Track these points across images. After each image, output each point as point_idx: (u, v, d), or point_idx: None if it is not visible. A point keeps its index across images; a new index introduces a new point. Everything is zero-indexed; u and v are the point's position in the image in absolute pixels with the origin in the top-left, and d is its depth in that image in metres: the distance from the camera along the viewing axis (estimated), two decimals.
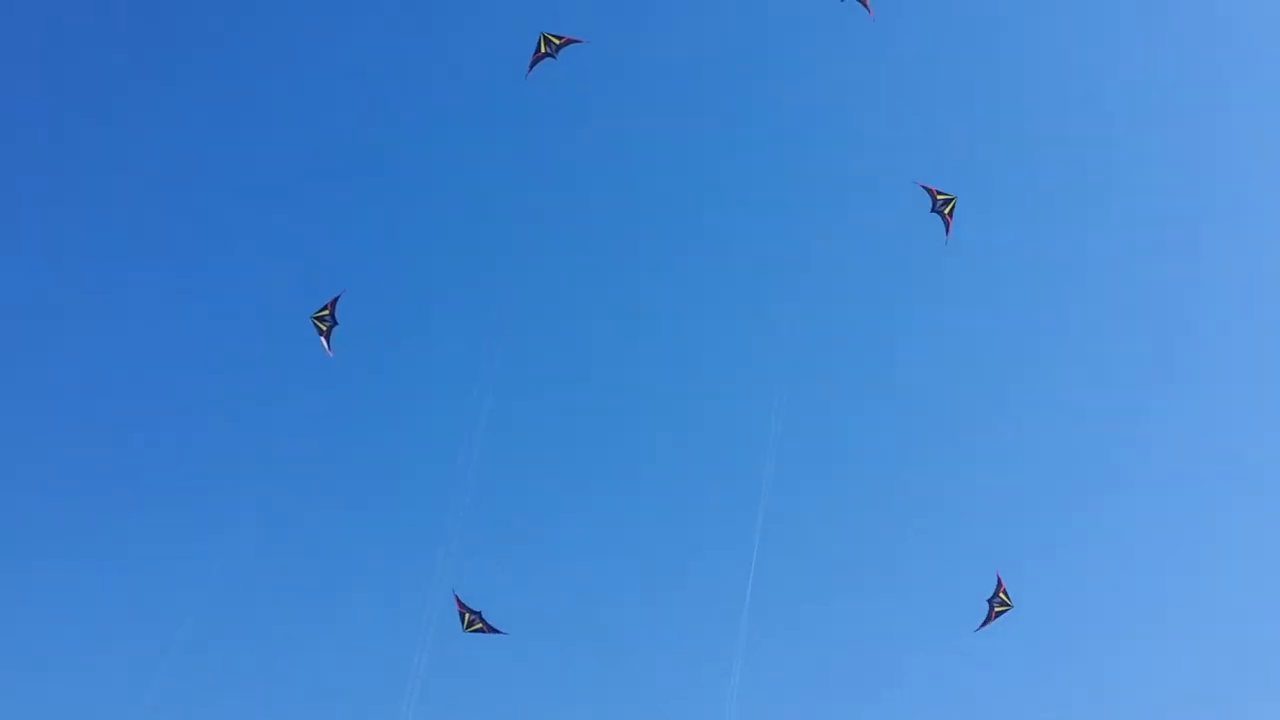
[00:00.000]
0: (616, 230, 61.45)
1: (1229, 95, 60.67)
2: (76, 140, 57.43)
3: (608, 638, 54.66)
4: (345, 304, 48.08)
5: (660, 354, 61.58)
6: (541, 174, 54.98)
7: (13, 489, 52.89)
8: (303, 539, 54.41)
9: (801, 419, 52.42)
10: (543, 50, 48.46)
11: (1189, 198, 61.30)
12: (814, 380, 56.62)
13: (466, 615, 47.36)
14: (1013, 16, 61.17)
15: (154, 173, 57.91)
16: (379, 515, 56.23)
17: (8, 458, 53.21)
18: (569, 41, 48.12)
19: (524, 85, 47.88)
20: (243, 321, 54.09)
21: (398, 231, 59.97)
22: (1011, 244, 59.40)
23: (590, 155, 60.61)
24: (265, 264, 58.31)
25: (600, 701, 52.64)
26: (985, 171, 58.60)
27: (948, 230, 45.82)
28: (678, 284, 61.71)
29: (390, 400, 58.59)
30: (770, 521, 48.09)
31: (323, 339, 49.05)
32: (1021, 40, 61.23)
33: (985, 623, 47.18)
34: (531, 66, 48.00)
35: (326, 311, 49.06)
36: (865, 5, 46.56)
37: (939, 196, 45.72)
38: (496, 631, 47.72)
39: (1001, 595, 47.12)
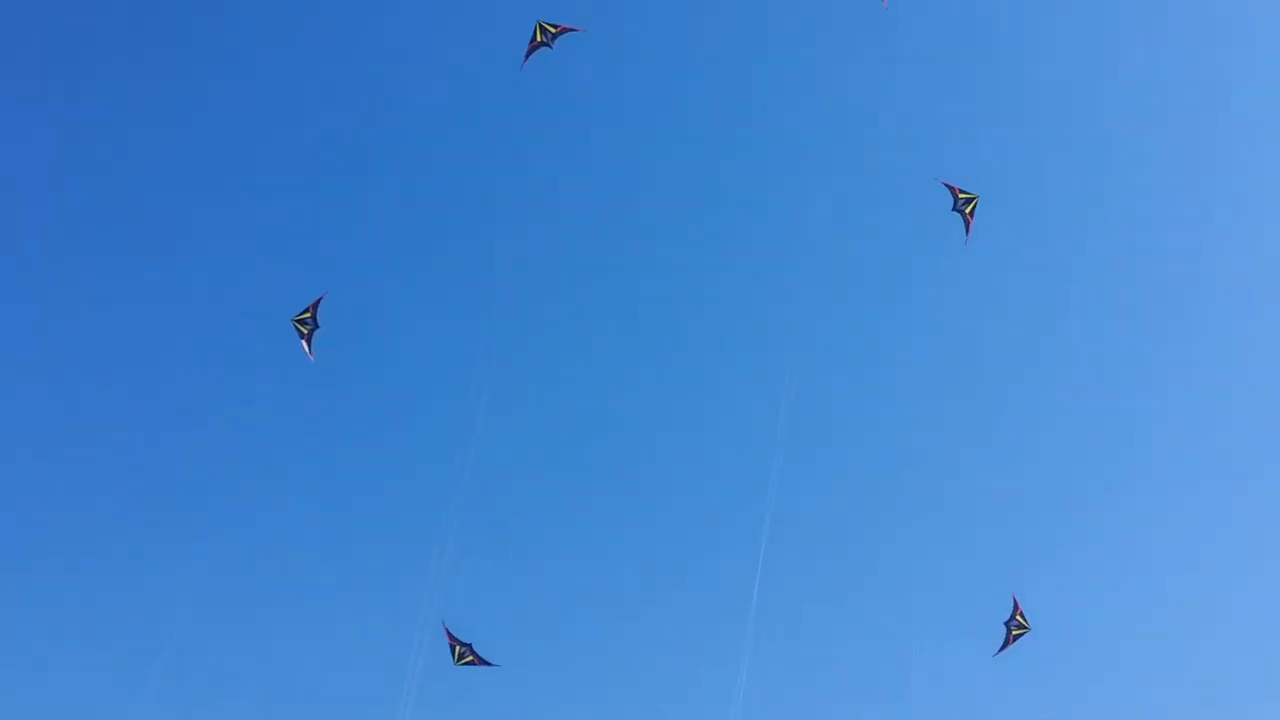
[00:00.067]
0: (617, 226, 60.15)
1: (1239, 96, 59.83)
2: (60, 139, 57.31)
3: (610, 639, 54.14)
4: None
5: (663, 353, 60.50)
6: (540, 167, 54.26)
7: (5, 490, 52.67)
8: (296, 539, 53.93)
9: (808, 417, 51.42)
10: (539, 39, 47.13)
11: (1195, 199, 60.45)
12: (821, 378, 55.31)
13: (457, 648, 46.03)
14: (1020, 15, 59.63)
15: (145, 171, 57.44)
16: (374, 515, 55.55)
17: None
18: (565, 30, 46.86)
19: (520, 76, 46.96)
20: (235, 321, 53.71)
21: (393, 230, 59.24)
22: (1024, 242, 58.29)
23: (591, 147, 59.56)
24: (257, 262, 57.58)
25: (601, 702, 52.12)
26: (1000, 169, 57.88)
27: (968, 230, 44.77)
28: (681, 281, 60.64)
29: (386, 399, 57.84)
30: (777, 522, 47.54)
31: (304, 342, 47.56)
32: (1033, 38, 60.27)
33: (1004, 646, 46.12)
34: (528, 55, 46.81)
35: (308, 314, 47.61)
36: None
37: (960, 195, 44.57)
38: (487, 664, 46.33)
39: (1019, 618, 46.05)
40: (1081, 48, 59.25)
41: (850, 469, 58.08)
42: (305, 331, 47.57)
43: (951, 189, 44.65)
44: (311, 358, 47.39)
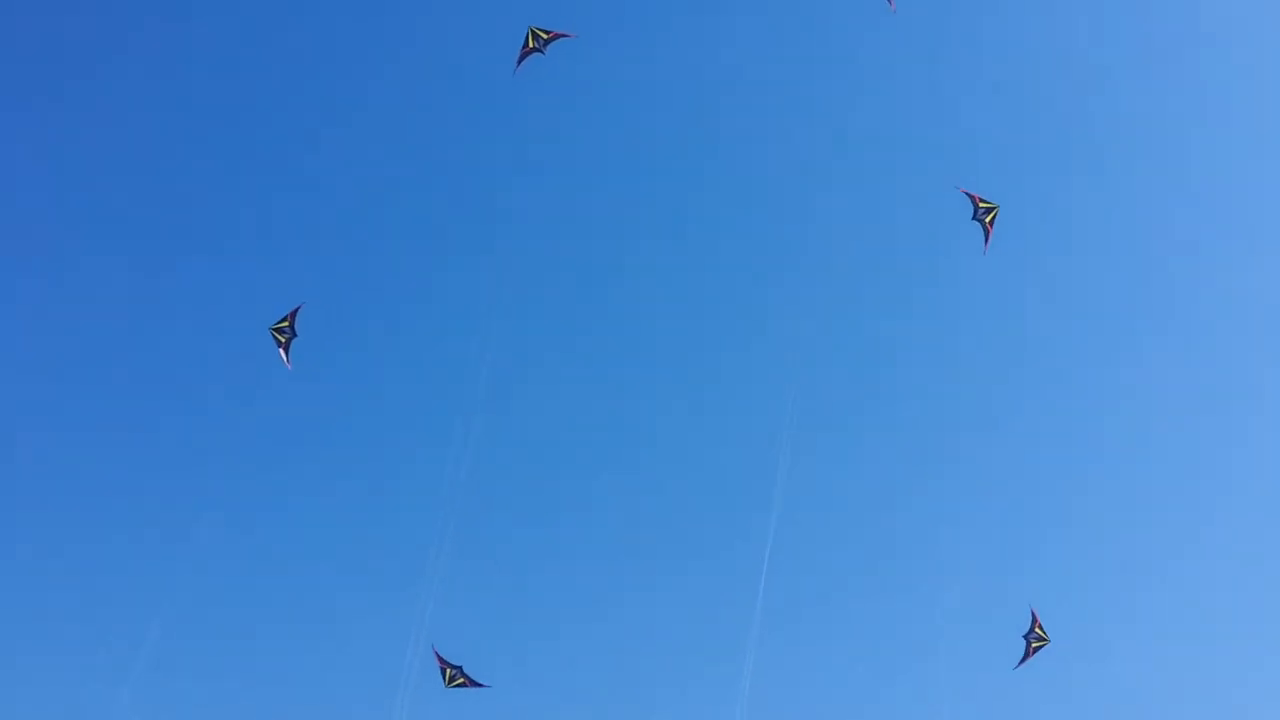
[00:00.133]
0: (616, 225, 59.16)
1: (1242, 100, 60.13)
2: (42, 140, 56.16)
3: (611, 641, 52.91)
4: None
5: (668, 351, 59.01)
6: (541, 165, 53.90)
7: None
8: (290, 539, 53.25)
9: (815, 418, 50.57)
10: (530, 45, 46.80)
11: (1206, 200, 60.43)
12: (829, 380, 54.65)
13: (447, 671, 44.23)
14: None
15: (143, 170, 56.25)
16: (369, 515, 54.08)
17: None
18: (557, 36, 46.54)
19: (514, 80, 46.65)
20: (230, 321, 52.50)
21: (389, 229, 58.04)
22: (1040, 245, 57.59)
23: (595, 148, 59.09)
24: (254, 260, 56.61)
25: (602, 705, 50.80)
26: (1018, 175, 57.28)
27: (986, 239, 44.59)
28: (682, 280, 59.56)
29: (382, 398, 56.31)
30: (783, 525, 46.43)
31: (281, 351, 46.16)
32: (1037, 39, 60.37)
33: (1024, 659, 45.06)
34: (520, 61, 46.49)
35: (286, 323, 46.26)
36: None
37: (981, 204, 44.47)
38: (479, 685, 44.46)
39: (1038, 630, 45.07)
40: (1092, 50, 59.82)
41: (859, 473, 57.01)
42: (283, 340, 46.24)
43: (972, 198, 44.51)
44: (289, 366, 46.19)
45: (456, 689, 44.15)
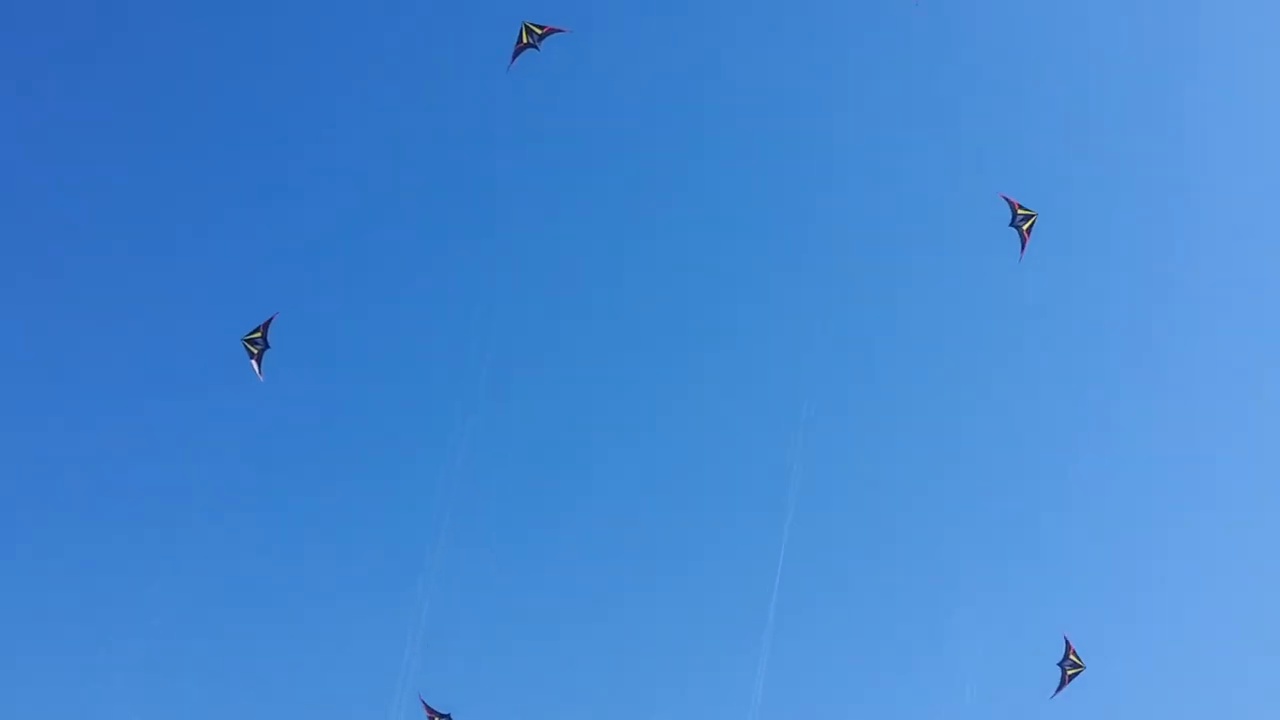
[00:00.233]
0: (619, 223, 57.18)
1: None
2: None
3: (615, 641, 51.26)
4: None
5: (674, 349, 56.66)
6: (539, 162, 52.16)
7: None
8: (285, 539, 52.18)
9: (830, 413, 49.03)
10: (524, 40, 45.34)
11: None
12: (844, 373, 52.93)
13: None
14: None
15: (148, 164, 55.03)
16: (363, 514, 52.71)
17: None
18: (551, 31, 45.22)
19: (508, 77, 45.28)
20: (224, 321, 50.10)
21: (382, 228, 56.12)
22: (1071, 255, 54.86)
23: (592, 142, 57.04)
24: (249, 258, 55.00)
25: (605, 706, 49.45)
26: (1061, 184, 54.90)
27: (1023, 246, 43.51)
28: (684, 278, 57.18)
29: (377, 397, 54.84)
30: (798, 526, 45.20)
31: (253, 362, 44.31)
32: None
33: (1060, 688, 43.31)
34: (514, 57, 45.09)
35: (258, 334, 44.44)
36: None
37: (1020, 211, 43.40)
38: None
39: (1072, 658, 43.39)
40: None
41: (874, 472, 54.86)
42: (255, 351, 44.32)
43: (1011, 204, 43.52)
44: (261, 378, 44.34)
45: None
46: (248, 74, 55.91)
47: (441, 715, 42.08)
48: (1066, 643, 43.08)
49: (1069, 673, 42.92)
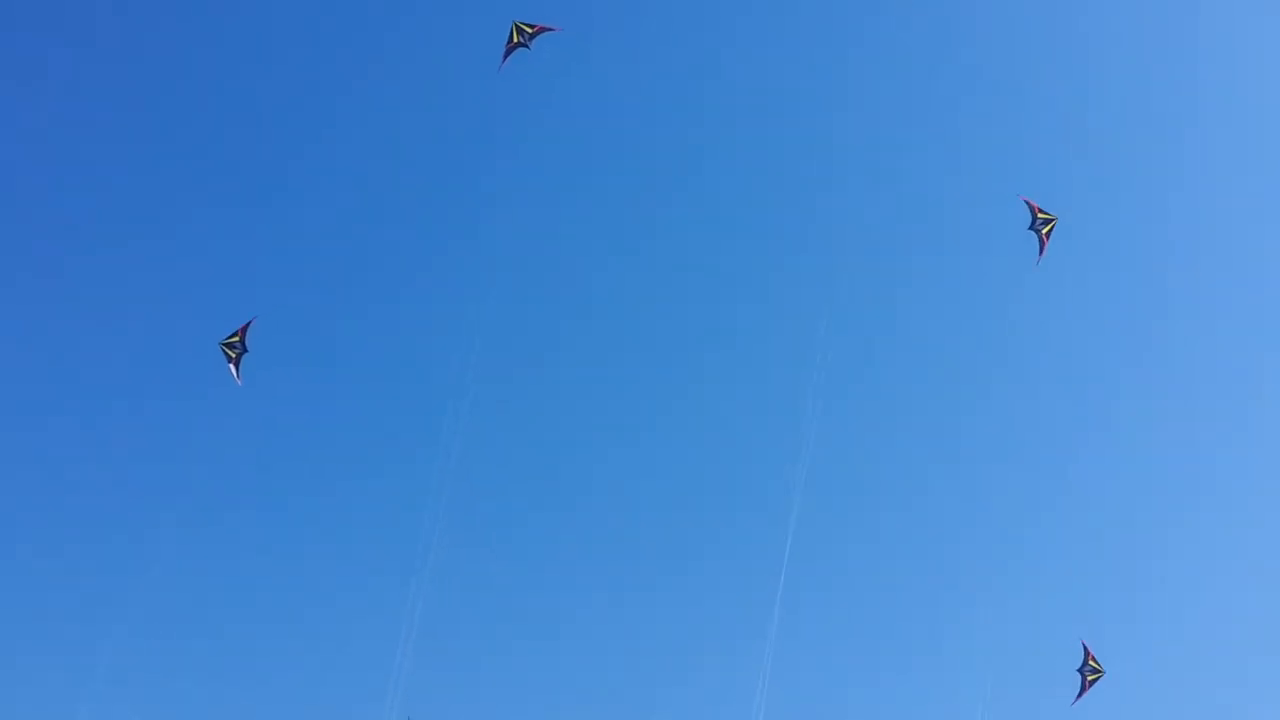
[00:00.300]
0: (619, 224, 57.04)
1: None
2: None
3: (615, 641, 50.85)
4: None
5: (675, 350, 56.34)
6: (534, 158, 50.75)
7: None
8: (276, 537, 51.76)
9: (833, 413, 47.49)
10: (515, 40, 44.76)
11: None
12: (847, 371, 51.52)
13: None
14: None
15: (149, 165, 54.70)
16: (358, 512, 52.12)
17: None
18: (541, 30, 44.69)
19: (500, 77, 44.71)
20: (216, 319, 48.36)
21: (374, 226, 55.45)
22: (1090, 258, 55.10)
23: (587, 139, 56.35)
24: (242, 256, 54.58)
25: (605, 706, 48.84)
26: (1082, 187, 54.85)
27: (1041, 250, 43.33)
28: (687, 277, 56.78)
29: (371, 395, 54.52)
30: (802, 523, 44.02)
31: (231, 366, 43.12)
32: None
33: (1080, 694, 42.50)
34: (505, 57, 44.55)
35: (236, 338, 43.30)
36: None
37: (1040, 215, 43.26)
38: None
39: (1091, 663, 42.57)
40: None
41: (882, 467, 54.38)
42: (233, 356, 43.07)
43: (1031, 207, 43.33)
44: (239, 382, 43.15)
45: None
46: (236, 73, 55.75)
47: None
48: (1085, 648, 42.36)
49: (1089, 678, 42.17)
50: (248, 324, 42.78)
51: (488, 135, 53.01)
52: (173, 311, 51.99)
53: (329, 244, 53.92)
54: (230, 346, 42.66)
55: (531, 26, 44.56)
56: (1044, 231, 43.10)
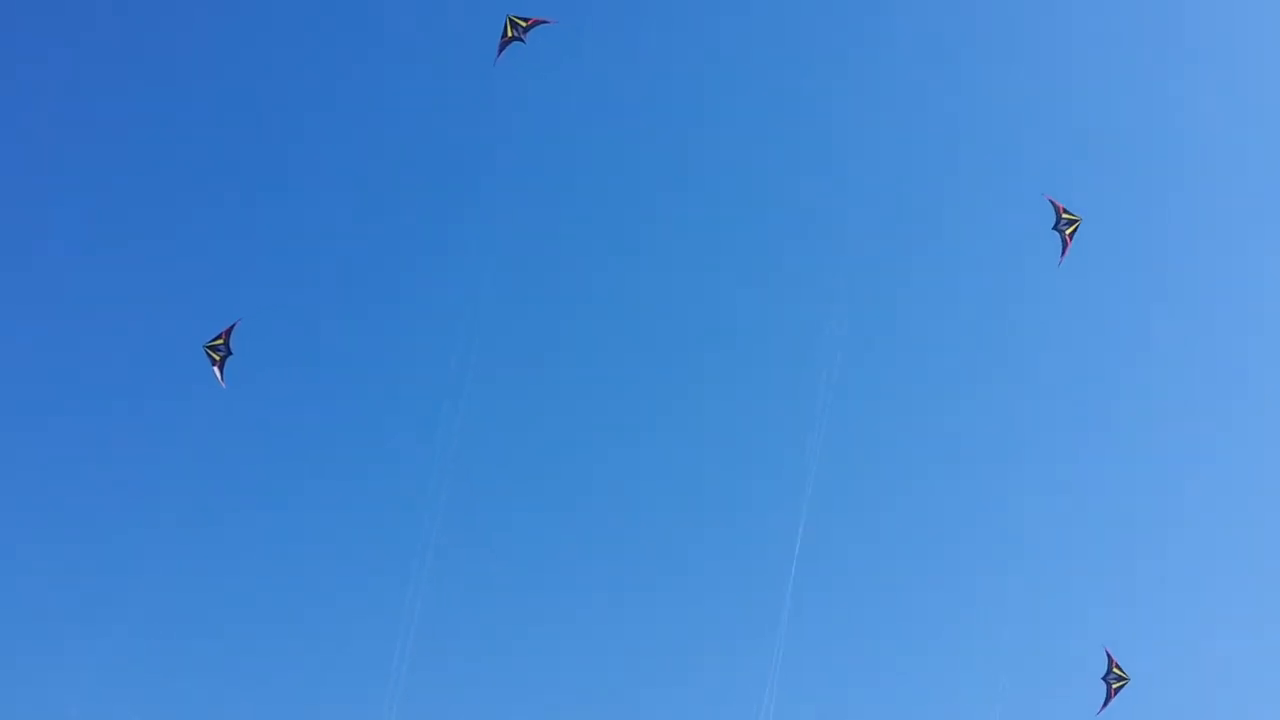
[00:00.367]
0: (618, 221, 55.69)
1: None
2: None
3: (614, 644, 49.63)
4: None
5: (679, 349, 54.67)
6: (541, 162, 51.40)
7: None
8: (269, 537, 50.95)
9: (841, 410, 46.34)
10: (509, 34, 44.27)
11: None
12: (857, 368, 49.61)
13: None
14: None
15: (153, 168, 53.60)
16: (354, 511, 51.20)
17: None
18: (536, 23, 44.07)
19: (495, 71, 44.24)
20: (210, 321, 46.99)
21: (365, 223, 54.47)
22: (1119, 258, 54.05)
23: (580, 133, 55.28)
24: (236, 254, 53.55)
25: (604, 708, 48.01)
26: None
27: (1063, 252, 42.93)
28: (703, 275, 55.23)
29: (365, 389, 53.48)
30: (811, 523, 43.28)
31: (215, 369, 42.54)
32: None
33: (1106, 703, 41.46)
34: (500, 51, 44.10)
35: (220, 340, 42.79)
36: None
37: (1064, 215, 42.81)
38: None
39: (1116, 671, 41.59)
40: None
41: (894, 467, 53.04)
42: (217, 359, 42.50)
43: (1056, 207, 42.85)
44: (223, 385, 42.59)
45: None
46: (224, 69, 54.63)
47: None
48: (1109, 656, 41.34)
49: (1114, 686, 41.17)
50: (232, 326, 42.19)
51: (484, 130, 52.17)
52: (165, 311, 51.42)
53: (323, 242, 53.48)
54: (214, 349, 42.03)
55: (525, 20, 43.88)
56: (1068, 233, 42.70)
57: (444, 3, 55.99)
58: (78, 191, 52.69)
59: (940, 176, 53.72)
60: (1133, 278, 54.51)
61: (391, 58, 55.62)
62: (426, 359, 51.08)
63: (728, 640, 47.00)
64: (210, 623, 47.40)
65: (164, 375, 50.58)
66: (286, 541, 49.95)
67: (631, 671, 48.39)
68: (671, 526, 50.44)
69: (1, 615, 46.98)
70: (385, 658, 40.47)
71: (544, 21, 43.80)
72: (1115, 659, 41.04)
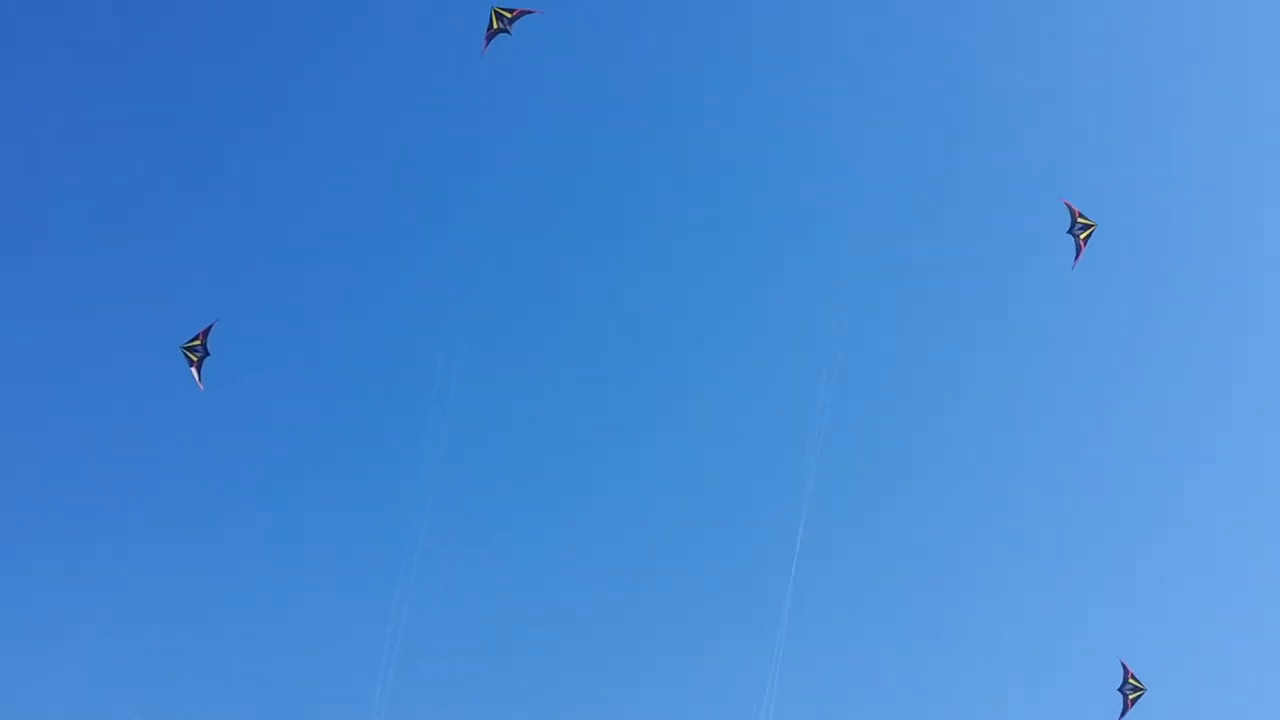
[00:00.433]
0: (617, 219, 54.96)
1: None
2: None
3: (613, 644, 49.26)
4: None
5: (679, 348, 54.01)
6: (538, 159, 51.14)
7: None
8: (260, 537, 50.52)
9: (842, 409, 45.61)
10: (495, 26, 43.82)
11: None
12: (860, 364, 48.85)
13: None
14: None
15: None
16: (342, 512, 50.82)
17: None
18: (521, 13, 43.72)
19: (484, 62, 43.78)
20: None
21: (356, 221, 53.80)
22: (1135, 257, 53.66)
23: (572, 128, 54.14)
24: (229, 253, 53.11)
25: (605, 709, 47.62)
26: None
27: (1077, 256, 42.57)
28: (702, 273, 54.52)
29: (354, 390, 53.03)
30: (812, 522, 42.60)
31: (193, 370, 41.96)
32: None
33: (1124, 713, 40.43)
34: (487, 43, 43.61)
35: (198, 342, 42.28)
36: None
37: (1079, 219, 42.45)
38: None
39: (1132, 681, 40.55)
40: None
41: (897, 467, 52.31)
42: (195, 359, 41.95)
43: (1072, 211, 42.43)
44: (201, 387, 42.01)
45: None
46: (207, 68, 54.06)
47: None
48: (1124, 668, 40.25)
49: (1130, 696, 40.06)
50: (209, 328, 41.59)
51: (481, 129, 51.50)
52: (153, 312, 50.82)
53: (310, 242, 53.04)
54: (191, 350, 41.38)
55: (510, 11, 43.32)
56: (1082, 237, 42.26)
57: (432, 2, 55.43)
58: (69, 191, 52.45)
59: (940, 176, 53.31)
60: (1133, 277, 53.85)
61: (382, 55, 55.17)
62: (427, 359, 49.37)
63: (728, 640, 46.59)
64: (196, 623, 47.25)
65: (149, 376, 50.15)
66: (273, 542, 49.85)
67: (631, 672, 48.41)
68: (671, 526, 50.21)
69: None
70: (373, 658, 40.20)
71: (529, 12, 43.23)
72: (1131, 670, 39.84)
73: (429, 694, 43.61)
